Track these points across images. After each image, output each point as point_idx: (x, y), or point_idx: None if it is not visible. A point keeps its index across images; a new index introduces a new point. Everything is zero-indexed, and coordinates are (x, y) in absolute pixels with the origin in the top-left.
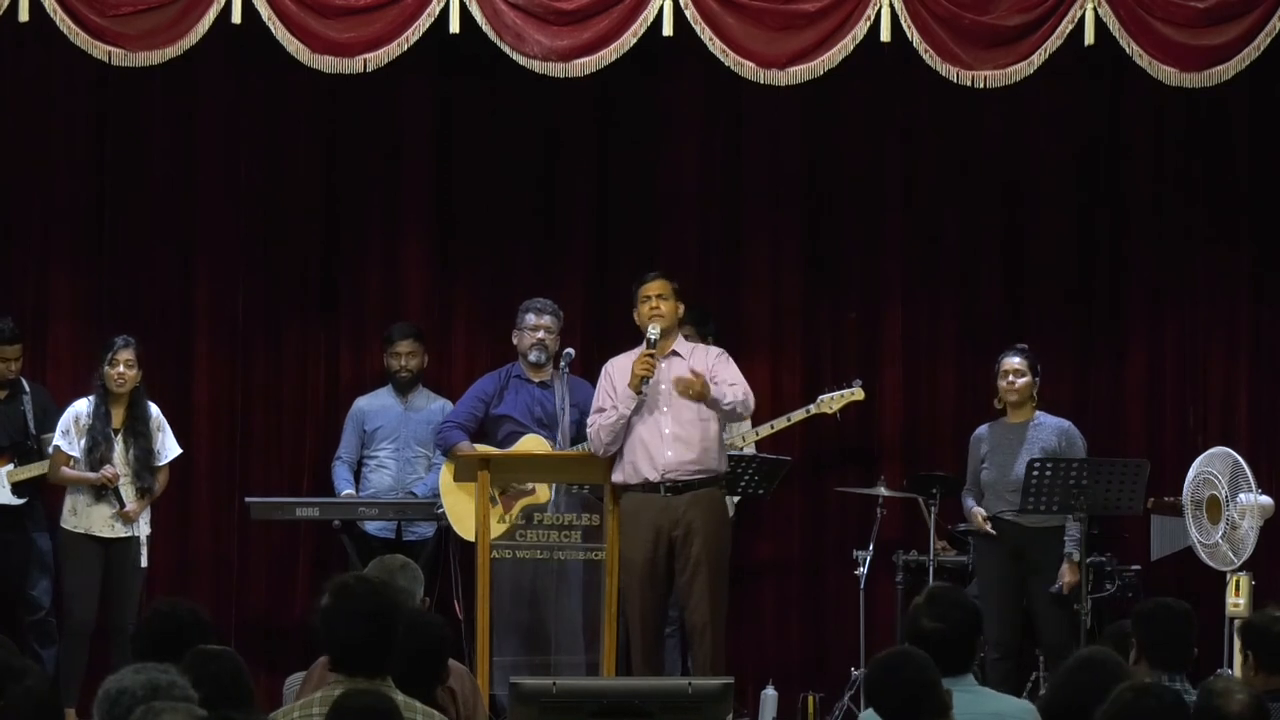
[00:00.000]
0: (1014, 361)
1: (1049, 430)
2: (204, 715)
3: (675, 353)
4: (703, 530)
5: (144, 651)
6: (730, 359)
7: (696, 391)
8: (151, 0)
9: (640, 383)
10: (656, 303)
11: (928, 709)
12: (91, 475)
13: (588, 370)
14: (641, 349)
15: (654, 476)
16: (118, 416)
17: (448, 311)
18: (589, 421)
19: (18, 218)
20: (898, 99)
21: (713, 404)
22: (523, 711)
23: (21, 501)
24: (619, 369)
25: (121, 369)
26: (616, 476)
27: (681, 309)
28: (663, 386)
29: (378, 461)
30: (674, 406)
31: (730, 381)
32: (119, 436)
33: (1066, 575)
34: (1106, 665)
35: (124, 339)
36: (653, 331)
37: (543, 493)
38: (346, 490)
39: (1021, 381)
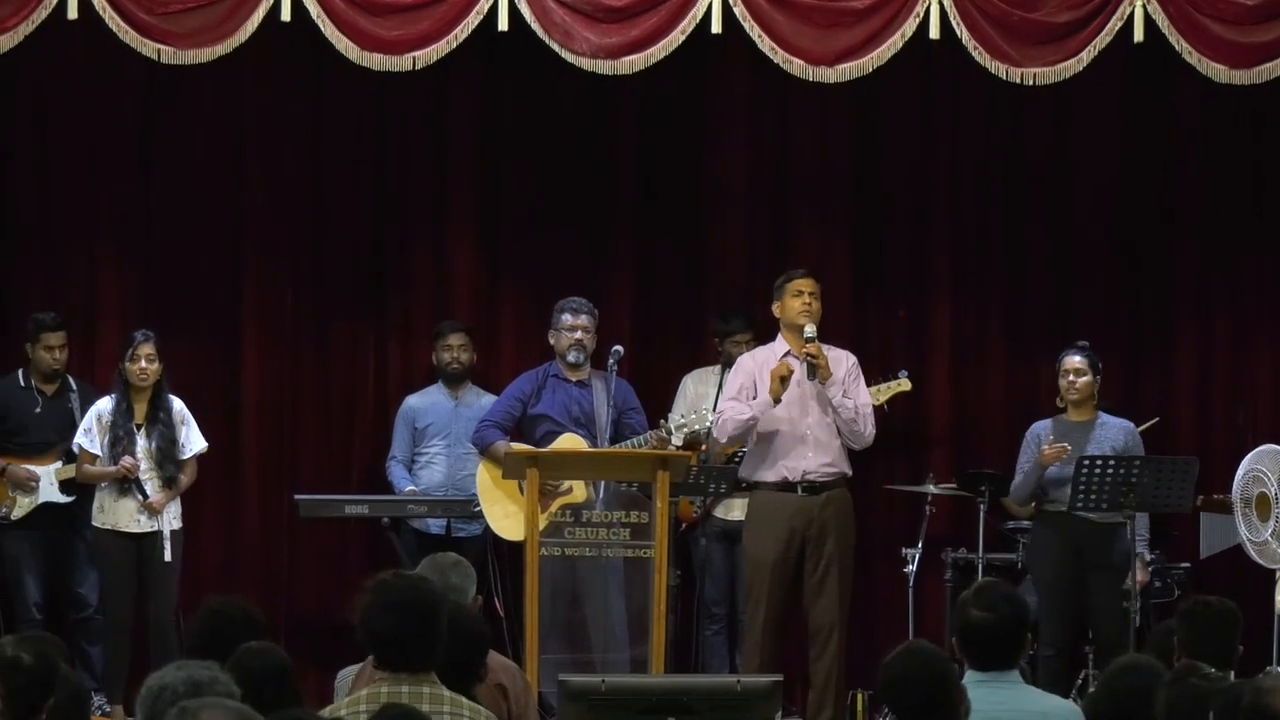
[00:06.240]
0: (1075, 360)
1: (1115, 430)
2: (246, 709)
3: None
4: (836, 530)
5: (195, 649)
6: (862, 377)
7: (825, 370)
8: None
9: (810, 373)
10: (809, 299)
11: (944, 706)
12: (110, 469)
13: (635, 367)
14: (777, 346)
15: (793, 476)
16: (140, 411)
17: (495, 308)
18: (719, 407)
19: (66, 217)
20: (946, 96)
21: (835, 406)
22: (571, 708)
23: (70, 499)
24: (760, 364)
25: (143, 364)
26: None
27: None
28: (806, 388)
29: (428, 458)
30: (817, 409)
31: (863, 401)
32: (141, 430)
33: (1140, 574)
34: (1151, 670)
35: (144, 333)
36: (810, 330)
37: (579, 491)
38: (409, 488)
39: (1083, 381)
